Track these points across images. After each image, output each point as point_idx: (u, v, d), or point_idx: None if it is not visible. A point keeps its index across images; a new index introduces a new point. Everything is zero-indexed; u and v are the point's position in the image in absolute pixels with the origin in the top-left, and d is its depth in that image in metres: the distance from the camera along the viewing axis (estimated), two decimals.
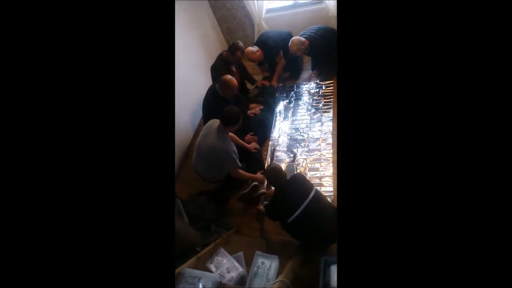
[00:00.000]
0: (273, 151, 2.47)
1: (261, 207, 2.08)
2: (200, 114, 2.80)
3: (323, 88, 2.79)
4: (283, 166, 2.32)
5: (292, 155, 2.39)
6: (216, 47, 3.22)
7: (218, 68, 2.47)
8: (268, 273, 1.55)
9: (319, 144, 2.37)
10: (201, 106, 2.48)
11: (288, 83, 2.95)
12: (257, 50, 2.60)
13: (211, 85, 2.41)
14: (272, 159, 2.41)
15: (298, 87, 2.91)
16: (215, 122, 1.98)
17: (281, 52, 2.65)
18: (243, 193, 2.13)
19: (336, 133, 2.36)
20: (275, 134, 2.60)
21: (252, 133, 2.40)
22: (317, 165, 2.26)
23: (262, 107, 2.65)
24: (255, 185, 2.14)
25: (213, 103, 2.28)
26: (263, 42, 2.63)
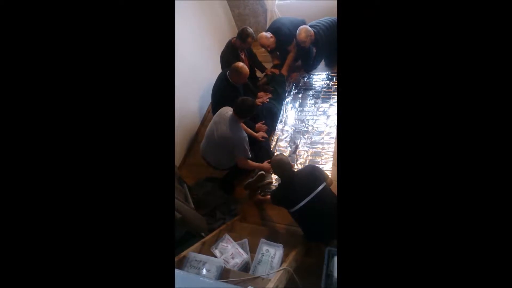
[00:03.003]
0: (277, 140, 2.47)
1: (260, 196, 2.09)
2: (208, 99, 2.79)
3: (334, 80, 2.75)
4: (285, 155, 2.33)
5: (294, 146, 2.38)
6: (227, 33, 3.16)
7: (227, 55, 2.43)
8: (272, 261, 1.58)
9: (322, 138, 2.36)
10: (210, 92, 2.46)
11: (299, 72, 2.91)
12: (271, 36, 2.54)
13: (221, 72, 2.38)
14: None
15: (308, 77, 2.87)
16: (228, 110, 1.97)
17: (294, 41, 2.59)
18: (249, 181, 2.14)
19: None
20: (280, 123, 2.60)
21: (263, 122, 2.40)
22: (318, 159, 2.26)
23: (270, 95, 2.63)
24: (262, 174, 2.14)
25: (223, 90, 2.26)
26: (277, 29, 2.57)
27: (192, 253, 1.53)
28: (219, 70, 2.48)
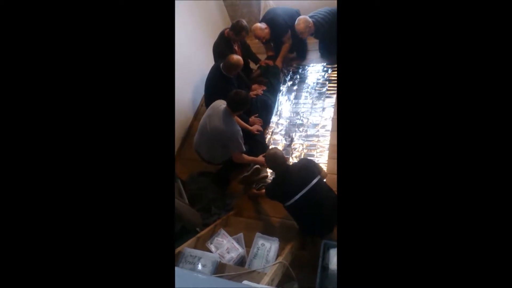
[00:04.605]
0: (272, 133, 2.46)
1: (254, 190, 2.08)
2: (201, 92, 2.74)
3: (329, 72, 2.72)
4: (280, 148, 2.31)
5: (289, 139, 2.37)
6: (220, 23, 3.08)
7: (220, 47, 2.38)
8: (267, 255, 1.58)
9: (318, 130, 2.35)
10: (203, 84, 2.41)
11: (294, 63, 2.87)
12: (266, 27, 2.48)
13: (214, 64, 2.33)
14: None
15: (303, 69, 2.83)
16: (222, 104, 1.93)
17: (289, 32, 2.53)
18: (244, 175, 2.12)
19: (336, 117, 2.34)
20: (275, 116, 2.57)
21: (256, 115, 2.36)
22: (313, 152, 2.25)
23: (264, 88, 2.59)
24: (257, 168, 2.12)
25: (216, 82, 2.22)
26: (272, 20, 2.50)
27: (187, 249, 1.52)
28: (211, 61, 2.43)
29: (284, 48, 2.71)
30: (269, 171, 2.17)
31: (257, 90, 2.55)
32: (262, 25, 2.48)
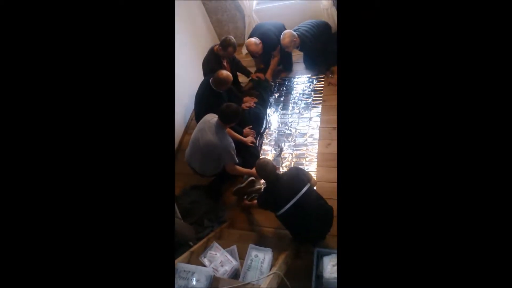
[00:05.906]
0: (261, 144, 2.49)
1: (246, 201, 2.09)
2: (191, 107, 2.76)
3: (314, 82, 2.81)
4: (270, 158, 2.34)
5: (279, 149, 2.41)
6: (206, 39, 3.16)
7: (210, 62, 2.43)
8: (261, 266, 1.57)
9: (306, 139, 2.40)
10: (192, 99, 2.44)
11: (280, 75, 2.95)
12: (260, 42, 2.53)
13: (204, 79, 2.37)
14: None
15: (289, 81, 2.91)
16: (213, 117, 1.96)
17: (279, 46, 2.59)
18: (239, 187, 2.13)
19: (323, 127, 2.42)
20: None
21: (250, 126, 2.40)
22: (302, 161, 2.29)
23: (256, 100, 2.63)
24: (252, 180, 2.13)
25: (206, 97, 2.25)
26: (264, 34, 2.56)
27: (180, 264, 1.50)
28: (200, 76, 2.47)
29: (274, 62, 2.78)
30: (262, 182, 2.19)
31: (249, 102, 2.58)
32: (256, 40, 2.52)
